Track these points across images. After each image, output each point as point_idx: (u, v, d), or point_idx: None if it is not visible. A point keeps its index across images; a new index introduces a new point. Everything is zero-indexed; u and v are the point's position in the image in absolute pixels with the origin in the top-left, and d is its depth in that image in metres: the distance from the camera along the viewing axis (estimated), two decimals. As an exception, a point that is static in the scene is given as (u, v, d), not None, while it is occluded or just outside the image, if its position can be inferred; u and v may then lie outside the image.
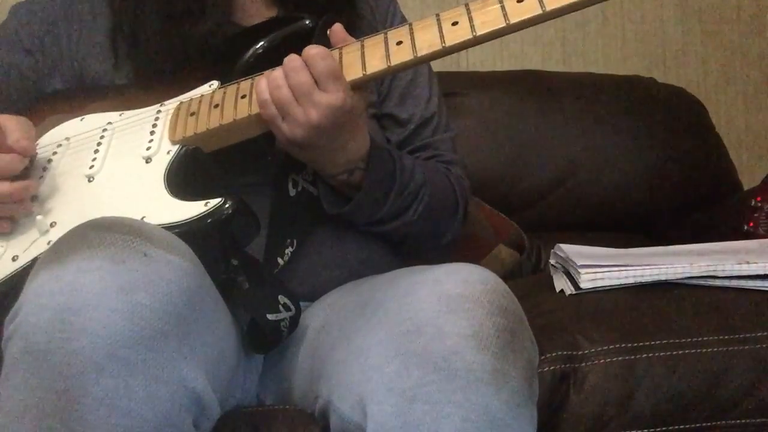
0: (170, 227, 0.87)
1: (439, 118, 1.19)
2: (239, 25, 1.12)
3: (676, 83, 2.06)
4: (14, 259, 0.95)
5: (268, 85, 0.92)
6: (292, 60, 0.91)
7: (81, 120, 1.07)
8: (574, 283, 1.14)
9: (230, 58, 1.03)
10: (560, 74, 1.98)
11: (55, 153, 1.04)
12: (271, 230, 1.02)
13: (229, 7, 1.09)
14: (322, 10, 1.07)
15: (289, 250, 1.02)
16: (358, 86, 0.93)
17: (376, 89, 1.17)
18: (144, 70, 1.07)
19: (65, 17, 1.13)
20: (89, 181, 0.99)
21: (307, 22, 1.03)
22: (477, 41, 0.88)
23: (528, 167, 1.81)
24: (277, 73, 0.92)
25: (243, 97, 0.96)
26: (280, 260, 1.01)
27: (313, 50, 0.90)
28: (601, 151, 1.84)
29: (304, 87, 0.90)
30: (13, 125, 1.00)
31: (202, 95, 1.01)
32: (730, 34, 2.30)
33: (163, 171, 0.96)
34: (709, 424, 1.00)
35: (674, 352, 1.01)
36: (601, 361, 1.01)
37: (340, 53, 0.93)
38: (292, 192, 1.03)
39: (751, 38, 2.31)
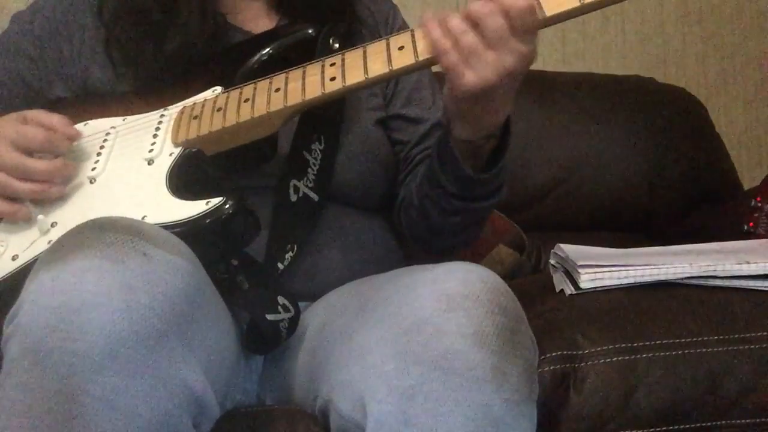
0: (171, 226, 0.87)
1: None
2: (239, 28, 1.12)
3: (676, 83, 2.06)
4: (14, 258, 0.95)
5: (448, 33, 0.87)
6: (485, 5, 0.86)
7: (84, 124, 1.07)
8: (574, 283, 1.14)
9: (234, 66, 1.04)
10: (560, 74, 1.98)
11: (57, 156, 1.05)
12: (271, 236, 1.02)
13: (203, 16, 1.07)
14: (323, 17, 1.07)
15: (289, 255, 1.02)
16: (360, 89, 0.95)
17: (382, 93, 1.17)
18: (143, 79, 1.07)
19: (67, 25, 1.13)
20: (91, 182, 1.00)
21: (311, 31, 1.05)
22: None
23: (528, 167, 1.81)
24: (455, 22, 0.87)
25: (246, 101, 0.96)
26: (280, 265, 1.01)
27: (521, 2, 0.85)
28: (601, 151, 1.84)
29: (502, 32, 0.86)
30: (49, 113, 1.01)
31: (205, 99, 1.01)
32: (730, 34, 2.30)
33: (165, 172, 0.96)
34: (709, 424, 1.00)
35: (674, 352, 1.01)
36: (601, 361, 1.01)
37: (343, 57, 0.94)
38: (293, 198, 1.04)
39: (751, 38, 2.31)
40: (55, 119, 1.00)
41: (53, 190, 0.98)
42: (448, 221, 1.07)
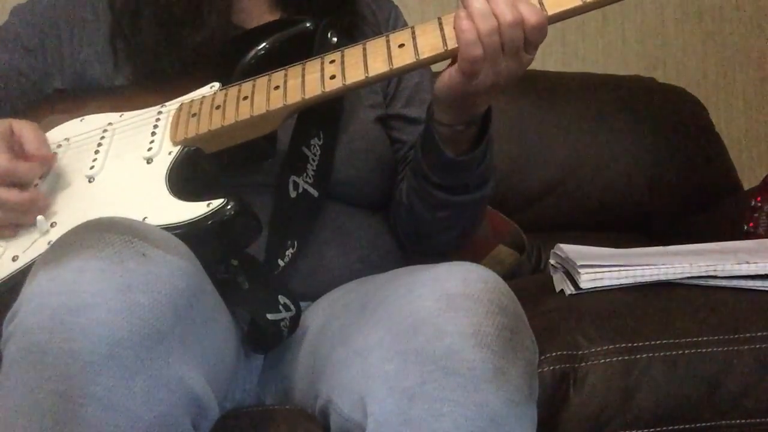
0: (172, 228, 0.87)
1: None
2: (241, 27, 1.12)
3: (676, 83, 2.06)
4: (14, 259, 0.95)
5: (479, 27, 0.88)
6: (507, 13, 0.88)
7: (81, 120, 1.07)
8: (574, 283, 1.14)
9: (231, 60, 1.04)
10: (560, 74, 1.98)
11: (54, 153, 1.04)
12: (271, 232, 1.02)
13: (226, 15, 1.08)
14: (323, 12, 1.07)
15: (289, 252, 1.02)
16: (360, 88, 0.94)
17: (382, 91, 1.17)
18: (143, 73, 1.07)
19: (66, 18, 1.13)
20: (90, 181, 0.99)
21: (308, 24, 1.04)
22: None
23: (528, 167, 1.81)
24: (481, 10, 0.88)
25: (245, 98, 0.96)
26: (280, 262, 1.01)
27: (534, 18, 0.88)
28: (601, 151, 1.84)
29: (517, 43, 0.89)
30: (32, 134, 0.99)
31: (203, 96, 1.01)
32: (730, 34, 2.30)
33: (165, 172, 0.96)
34: (709, 424, 1.00)
35: (674, 352, 1.01)
36: (601, 361, 1.01)
37: (342, 54, 0.94)
38: (293, 194, 1.04)
39: (751, 38, 2.31)
40: (33, 145, 0.97)
41: (27, 218, 0.96)
42: (434, 216, 1.07)
